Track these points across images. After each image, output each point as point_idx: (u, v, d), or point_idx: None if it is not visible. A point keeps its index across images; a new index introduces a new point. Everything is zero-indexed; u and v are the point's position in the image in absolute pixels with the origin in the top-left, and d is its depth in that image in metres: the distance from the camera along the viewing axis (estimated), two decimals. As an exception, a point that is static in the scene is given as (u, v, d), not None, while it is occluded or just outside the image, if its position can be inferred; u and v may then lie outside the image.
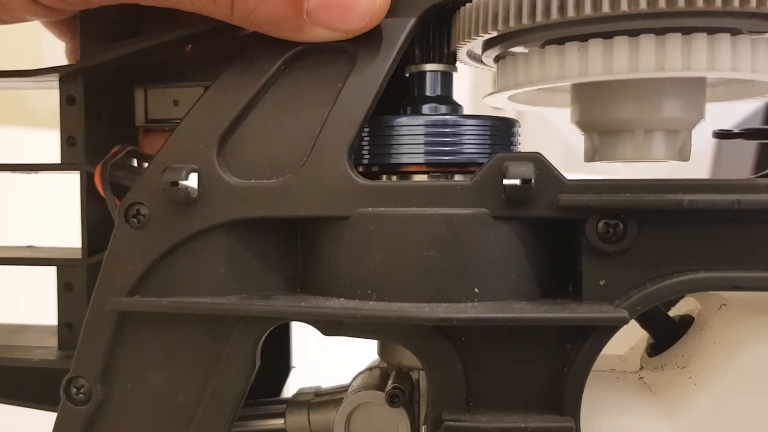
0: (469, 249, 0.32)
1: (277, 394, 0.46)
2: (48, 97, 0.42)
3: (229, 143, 0.34)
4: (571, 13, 0.29)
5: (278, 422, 0.39)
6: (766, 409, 0.32)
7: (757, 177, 0.40)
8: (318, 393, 0.40)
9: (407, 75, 0.38)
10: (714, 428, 0.32)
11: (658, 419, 0.33)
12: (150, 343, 0.35)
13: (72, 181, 0.43)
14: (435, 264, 0.32)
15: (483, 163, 0.33)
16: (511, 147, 0.36)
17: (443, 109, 0.37)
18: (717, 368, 0.33)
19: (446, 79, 0.37)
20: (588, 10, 0.29)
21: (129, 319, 0.35)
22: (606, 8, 0.29)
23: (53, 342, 0.40)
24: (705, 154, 1.54)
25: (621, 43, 0.30)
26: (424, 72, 0.37)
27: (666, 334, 0.37)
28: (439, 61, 0.37)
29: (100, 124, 0.39)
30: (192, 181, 0.33)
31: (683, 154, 0.36)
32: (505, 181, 0.31)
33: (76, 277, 0.39)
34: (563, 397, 0.31)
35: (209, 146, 0.34)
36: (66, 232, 0.47)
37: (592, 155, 0.37)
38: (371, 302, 0.32)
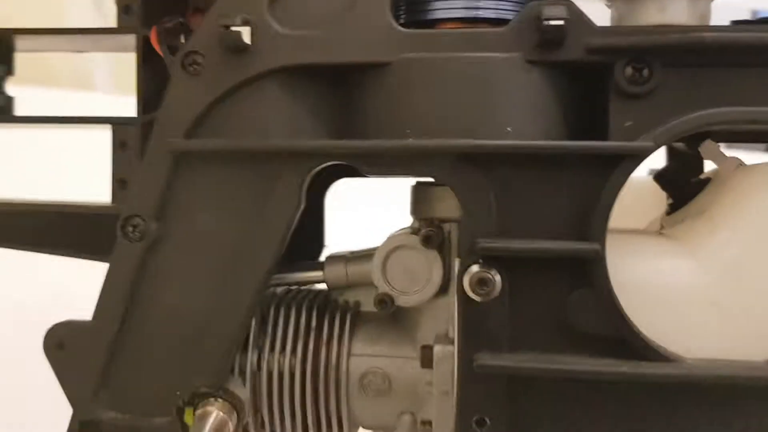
0: (504, 90, 0.35)
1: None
2: (69, 58, 0.45)
3: (280, -3, 0.36)
4: None
5: (317, 274, 0.41)
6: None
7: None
8: (353, 252, 0.42)
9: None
10: (730, 261, 0.34)
11: (679, 257, 0.35)
12: (204, 183, 0.37)
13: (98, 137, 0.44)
14: (471, 104, 0.35)
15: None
16: None
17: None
18: (733, 209, 0.35)
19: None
20: None
21: (184, 160, 0.37)
22: None
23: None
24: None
25: None
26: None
27: (685, 192, 0.40)
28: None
29: (154, -7, 0.42)
30: (245, 28, 0.36)
31: (704, 19, 0.38)
32: (544, 22, 0.33)
33: (130, 135, 0.41)
34: (591, 225, 0.34)
35: (260, 2, 0.36)
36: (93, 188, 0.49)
37: (617, 23, 0.39)
38: (410, 141, 0.35)
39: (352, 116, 0.37)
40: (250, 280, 0.37)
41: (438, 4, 0.37)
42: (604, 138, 0.34)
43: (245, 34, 0.36)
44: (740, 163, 0.38)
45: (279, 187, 0.36)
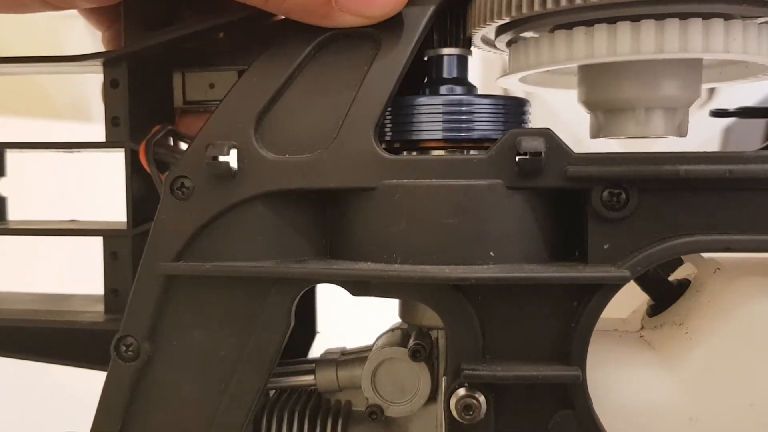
0: (485, 216, 0.35)
1: (303, 357, 0.49)
2: (68, 90, 0.45)
3: (265, 122, 0.37)
4: (578, 0, 0.32)
5: (309, 378, 0.42)
6: (755, 360, 0.35)
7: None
8: (344, 352, 0.43)
9: (426, 58, 0.41)
10: (707, 377, 0.35)
11: (657, 370, 0.36)
12: (194, 304, 0.38)
13: (109, 160, 0.46)
14: (454, 230, 0.35)
15: (497, 139, 0.36)
16: (522, 124, 0.39)
17: (459, 89, 0.40)
18: (711, 323, 0.36)
19: (462, 62, 0.40)
20: (594, -2, 0.32)
21: (175, 282, 0.38)
22: (611, -4, 0.32)
23: (99, 307, 0.44)
24: (714, 138, 1.58)
25: (624, 27, 0.34)
26: (442, 55, 0.40)
27: (665, 296, 0.41)
28: (456, 46, 0.40)
29: (141, 105, 0.42)
30: (232, 156, 0.36)
31: (681, 130, 0.39)
32: (518, 157, 0.34)
33: (121, 247, 0.42)
34: (571, 349, 0.35)
35: (247, 125, 0.37)
36: (105, 209, 0.50)
37: (597, 132, 0.40)
38: (396, 265, 0.36)
39: (339, 236, 0.38)
40: (245, 396, 0.38)
41: (422, 126, 0.38)
42: (585, 257, 0.35)
43: (232, 161, 0.37)
44: (718, 267, 0.39)
45: (267, 308, 0.37)
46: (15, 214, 0.49)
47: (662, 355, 0.37)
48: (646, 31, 0.33)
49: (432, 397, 0.40)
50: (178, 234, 0.38)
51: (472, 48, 0.41)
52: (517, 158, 0.34)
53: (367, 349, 0.43)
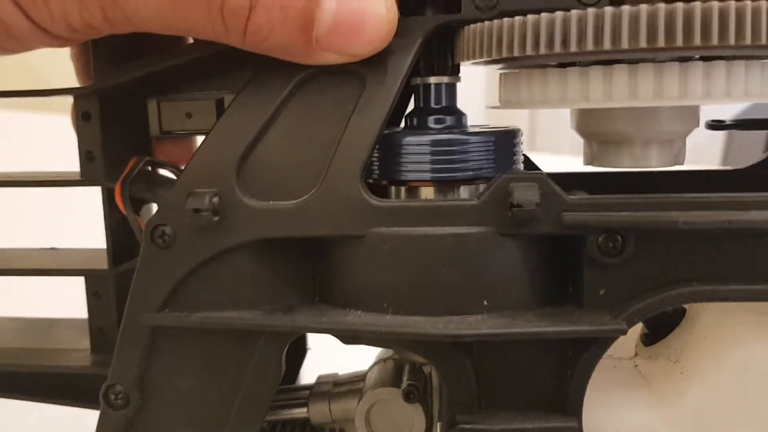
0: (478, 265, 0.34)
1: (294, 375, 0.49)
2: (69, 82, 0.43)
3: (247, 166, 0.36)
4: (573, 47, 0.31)
5: (302, 411, 0.42)
6: (752, 403, 0.35)
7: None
8: (337, 383, 0.43)
9: (412, 85, 0.39)
10: (702, 420, 0.35)
11: (652, 411, 0.36)
12: (181, 352, 0.37)
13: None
14: (446, 280, 0.34)
15: (487, 178, 0.35)
16: (514, 157, 0.38)
17: (448, 120, 0.38)
18: (707, 364, 0.36)
19: (450, 90, 0.39)
20: (590, 45, 0.30)
21: (160, 331, 0.37)
22: (607, 45, 0.30)
23: (85, 342, 0.43)
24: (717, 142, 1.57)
25: (620, 71, 0.32)
26: (429, 84, 0.38)
27: (659, 325, 0.40)
28: (444, 74, 0.38)
29: (116, 137, 0.40)
30: (213, 206, 0.35)
31: (678, 160, 0.38)
32: (513, 208, 0.33)
33: (103, 286, 0.41)
34: (567, 399, 0.34)
35: (228, 170, 0.35)
36: (86, 230, 0.49)
37: (590, 160, 0.39)
38: (387, 316, 0.35)
39: (329, 282, 0.37)
40: (238, 440, 0.38)
41: (410, 166, 0.36)
42: (580, 299, 0.35)
43: (213, 211, 0.35)
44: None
45: (257, 358, 0.37)
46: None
47: (657, 394, 0.37)
48: (644, 75, 0.32)
49: (427, 432, 0.40)
50: (161, 283, 0.36)
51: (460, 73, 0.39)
52: (510, 210, 0.33)
53: (360, 378, 0.42)
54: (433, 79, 0.38)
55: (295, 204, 0.35)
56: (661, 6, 0.29)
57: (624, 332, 0.33)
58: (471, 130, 0.38)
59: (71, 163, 0.41)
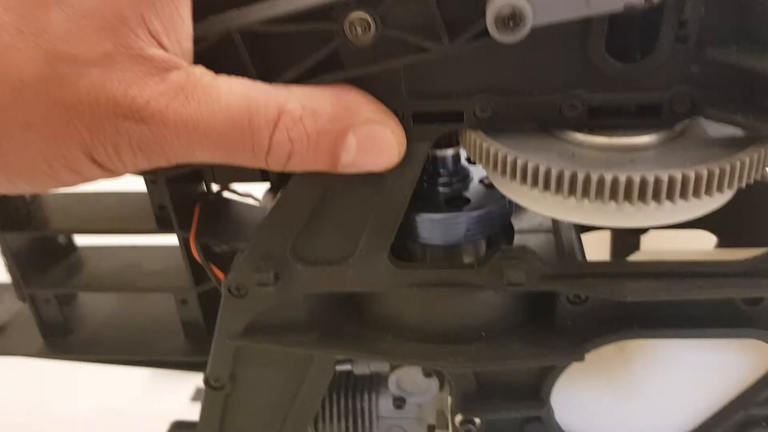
0: (477, 311, 0.46)
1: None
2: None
3: (299, 242, 0.45)
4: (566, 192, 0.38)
5: (346, 366, 0.57)
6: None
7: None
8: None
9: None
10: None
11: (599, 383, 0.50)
12: (258, 360, 0.51)
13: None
14: (454, 321, 0.47)
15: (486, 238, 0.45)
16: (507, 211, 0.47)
17: (455, 182, 0.47)
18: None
19: (455, 156, 0.47)
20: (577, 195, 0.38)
21: (242, 348, 0.50)
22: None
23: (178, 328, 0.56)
24: None
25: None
26: (436, 156, 0.46)
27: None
28: (449, 147, 0.46)
29: (182, 192, 0.49)
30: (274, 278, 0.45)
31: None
32: (506, 286, 0.43)
33: (188, 296, 0.53)
34: (540, 393, 0.48)
35: (284, 247, 0.45)
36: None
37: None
38: (412, 344, 0.47)
39: (364, 312, 0.49)
40: (304, 418, 0.53)
41: (422, 234, 0.46)
42: (554, 324, 0.47)
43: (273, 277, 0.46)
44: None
45: (314, 366, 0.50)
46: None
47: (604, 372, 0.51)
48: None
49: (441, 387, 0.54)
50: (239, 320, 0.48)
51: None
52: (505, 285, 0.43)
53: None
54: (439, 152, 0.46)
55: (336, 269, 0.46)
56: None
57: (581, 360, 0.46)
58: (474, 189, 0.47)
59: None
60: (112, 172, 0.38)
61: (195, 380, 0.94)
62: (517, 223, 0.54)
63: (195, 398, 0.94)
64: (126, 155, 0.36)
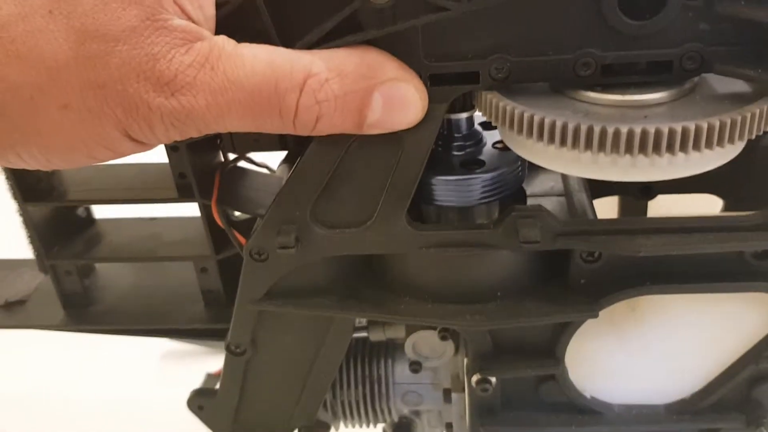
0: (493, 271, 0.47)
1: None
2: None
3: (319, 206, 0.46)
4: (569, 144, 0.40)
5: (362, 334, 0.58)
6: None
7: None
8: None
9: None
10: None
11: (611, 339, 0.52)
12: (279, 324, 0.52)
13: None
14: (471, 282, 0.48)
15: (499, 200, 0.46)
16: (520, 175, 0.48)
17: (469, 146, 0.48)
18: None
19: (470, 120, 0.48)
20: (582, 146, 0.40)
21: (263, 312, 0.51)
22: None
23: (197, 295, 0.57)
24: None
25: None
26: (450, 120, 0.47)
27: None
28: (464, 110, 0.47)
29: (202, 159, 0.50)
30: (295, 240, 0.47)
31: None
32: (521, 244, 0.44)
33: (208, 264, 0.54)
34: (555, 351, 0.49)
35: (304, 211, 0.46)
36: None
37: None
38: (429, 305, 0.49)
39: (384, 273, 0.50)
40: (323, 382, 0.54)
41: (438, 196, 0.47)
42: (567, 280, 0.48)
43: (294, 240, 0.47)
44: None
45: (333, 329, 0.51)
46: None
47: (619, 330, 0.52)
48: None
49: (456, 351, 0.55)
50: (260, 284, 0.49)
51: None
52: (520, 243, 0.45)
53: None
54: (453, 116, 0.47)
55: (354, 231, 0.47)
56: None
57: (595, 316, 0.47)
58: (488, 152, 0.48)
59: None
60: (145, 146, 0.39)
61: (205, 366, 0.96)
62: (529, 188, 0.55)
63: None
64: (159, 129, 0.37)
